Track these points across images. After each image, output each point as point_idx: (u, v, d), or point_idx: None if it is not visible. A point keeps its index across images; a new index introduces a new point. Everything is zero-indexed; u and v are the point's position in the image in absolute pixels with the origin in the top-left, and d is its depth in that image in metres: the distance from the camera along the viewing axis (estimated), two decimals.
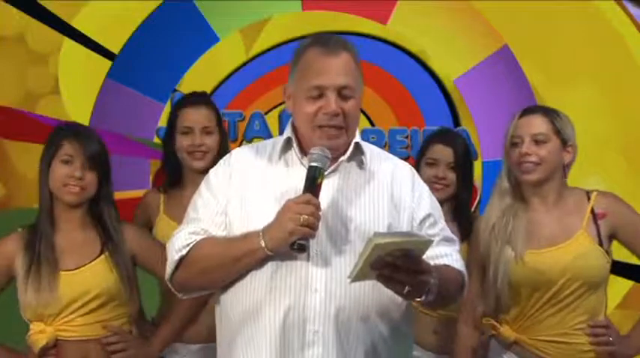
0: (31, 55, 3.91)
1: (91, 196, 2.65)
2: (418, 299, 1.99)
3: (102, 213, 2.66)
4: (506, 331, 2.68)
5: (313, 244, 2.04)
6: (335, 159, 2.13)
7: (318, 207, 2.00)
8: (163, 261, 2.19)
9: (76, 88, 3.92)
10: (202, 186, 2.22)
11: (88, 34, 3.92)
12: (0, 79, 3.87)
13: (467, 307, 2.77)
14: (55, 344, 2.58)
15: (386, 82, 4.01)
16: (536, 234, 2.67)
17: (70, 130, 2.70)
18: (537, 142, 2.68)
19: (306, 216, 1.96)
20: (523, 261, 2.62)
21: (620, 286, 3.80)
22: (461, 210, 3.08)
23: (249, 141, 3.93)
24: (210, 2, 4.00)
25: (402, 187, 2.19)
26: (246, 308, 2.08)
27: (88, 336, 2.59)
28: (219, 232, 2.13)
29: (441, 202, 3.05)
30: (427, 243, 1.94)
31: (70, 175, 2.60)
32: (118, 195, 2.79)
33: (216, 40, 4.01)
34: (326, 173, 2.07)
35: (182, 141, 2.98)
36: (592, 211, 2.69)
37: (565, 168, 2.74)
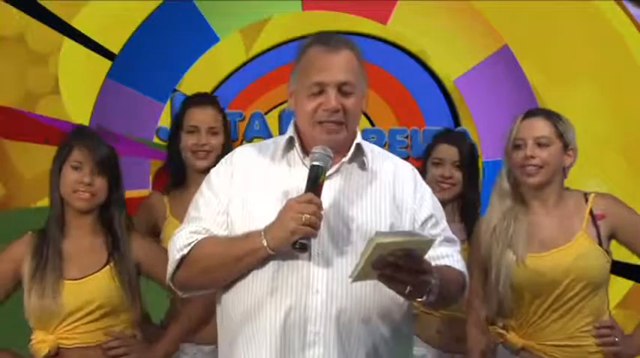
0: (31, 55, 3.90)
1: (101, 202, 2.65)
2: (419, 300, 1.99)
3: (112, 219, 2.66)
4: (514, 338, 2.68)
5: (315, 245, 2.03)
6: (336, 160, 2.13)
7: (320, 206, 2.00)
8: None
9: (76, 88, 3.91)
10: (204, 184, 2.22)
11: (88, 34, 3.91)
12: (0, 79, 3.86)
13: (474, 309, 2.77)
14: (57, 352, 2.58)
15: (386, 82, 4.00)
16: (536, 237, 2.68)
17: (79, 135, 2.71)
18: (540, 145, 2.69)
19: (308, 216, 1.96)
20: (524, 264, 2.62)
21: (620, 286, 3.79)
22: (467, 209, 3.09)
23: (249, 141, 3.93)
24: (210, 2, 3.99)
25: (404, 188, 2.19)
26: (247, 308, 2.08)
27: (89, 343, 2.59)
28: (220, 231, 2.13)
29: (448, 201, 3.08)
30: (429, 243, 1.94)
31: (80, 181, 2.61)
32: None
33: (216, 40, 4.00)
34: (328, 174, 2.08)
35: (187, 140, 2.99)
36: (591, 213, 2.69)
37: (565, 171, 2.75)
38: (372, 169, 2.19)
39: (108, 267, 2.62)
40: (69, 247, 2.63)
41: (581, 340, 2.64)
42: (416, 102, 4.08)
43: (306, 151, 2.14)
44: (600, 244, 2.68)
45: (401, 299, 2.05)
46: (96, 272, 2.61)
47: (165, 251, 2.67)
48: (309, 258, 2.05)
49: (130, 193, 2.91)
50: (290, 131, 2.19)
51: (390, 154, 2.32)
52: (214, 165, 2.31)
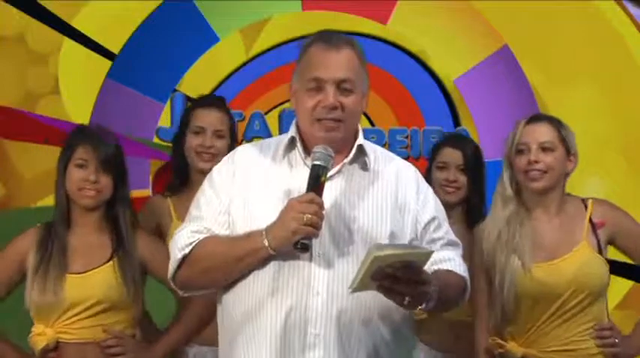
0: (31, 55, 3.90)
1: (106, 199, 2.66)
2: (418, 308, 2.00)
3: (118, 215, 2.67)
4: (514, 347, 2.66)
5: (316, 245, 2.03)
6: (338, 160, 2.12)
7: (321, 206, 1.99)
8: None
9: (76, 88, 3.92)
10: (205, 183, 2.22)
11: (88, 34, 3.91)
12: (0, 79, 3.87)
13: (481, 315, 2.74)
14: (56, 347, 2.58)
15: (386, 82, 4.01)
16: (539, 245, 2.67)
17: (84, 134, 2.71)
18: (544, 150, 2.68)
19: (310, 216, 1.96)
20: (531, 272, 2.62)
21: (620, 286, 3.80)
22: (472, 212, 3.09)
23: (249, 141, 3.93)
24: (210, 2, 3.99)
25: (407, 190, 2.19)
26: (247, 308, 2.08)
27: (87, 339, 2.59)
28: (222, 231, 2.12)
29: (453, 205, 3.08)
30: (428, 255, 1.94)
31: (85, 179, 2.61)
32: None
33: (216, 40, 4.00)
34: (329, 175, 2.07)
35: (192, 141, 2.99)
36: (590, 221, 2.70)
37: (566, 177, 2.75)
38: (374, 170, 2.18)
39: (111, 262, 2.62)
40: (74, 241, 2.64)
41: (581, 343, 2.64)
42: (416, 102, 4.08)
43: (307, 151, 2.14)
44: (600, 252, 2.68)
45: None
46: (98, 267, 2.61)
47: None
48: (310, 259, 2.04)
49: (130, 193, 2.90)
50: (292, 131, 2.18)
51: (394, 156, 2.31)
52: None
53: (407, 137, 4.04)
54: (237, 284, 2.10)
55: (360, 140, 2.18)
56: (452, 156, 3.14)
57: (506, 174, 2.76)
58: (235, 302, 2.11)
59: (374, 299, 2.05)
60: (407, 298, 1.92)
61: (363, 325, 2.06)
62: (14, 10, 3.89)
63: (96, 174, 2.62)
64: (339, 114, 2.10)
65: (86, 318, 2.58)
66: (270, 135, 3.90)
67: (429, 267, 2.06)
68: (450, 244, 2.23)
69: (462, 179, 3.12)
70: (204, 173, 2.86)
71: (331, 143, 2.08)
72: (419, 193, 2.20)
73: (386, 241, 2.09)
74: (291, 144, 2.17)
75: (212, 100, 3.13)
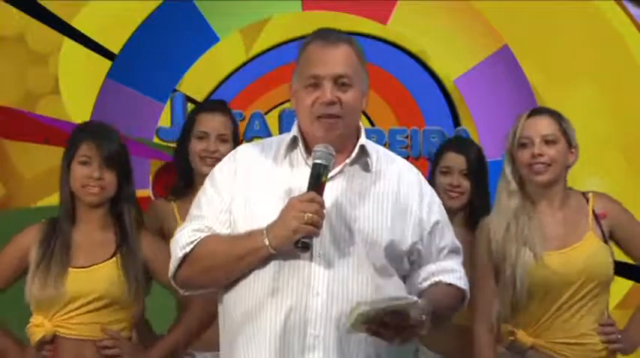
0: (31, 55, 3.90)
1: (111, 196, 2.66)
2: None
3: (122, 212, 2.67)
4: (524, 337, 2.67)
5: (316, 246, 2.02)
6: (340, 161, 2.12)
7: (322, 205, 1.98)
8: None
9: (76, 88, 3.92)
10: (207, 182, 2.21)
11: (88, 34, 3.91)
12: (0, 79, 3.87)
13: (483, 310, 2.73)
14: (53, 340, 2.58)
15: (386, 82, 4.01)
16: (547, 236, 2.68)
17: (87, 130, 2.72)
18: (547, 143, 2.69)
19: (311, 214, 1.95)
20: (543, 261, 2.62)
21: (620, 286, 3.79)
22: (475, 216, 3.08)
23: (249, 141, 3.93)
24: (210, 2, 3.99)
25: (409, 192, 2.17)
26: (248, 308, 2.07)
27: (85, 336, 2.59)
28: (223, 230, 2.12)
29: (456, 210, 3.08)
30: (413, 305, 1.92)
31: (89, 176, 2.62)
32: None
33: (216, 40, 4.01)
34: (331, 175, 2.07)
35: (196, 146, 3.00)
36: (593, 212, 2.71)
37: (567, 169, 2.76)
38: (376, 171, 2.16)
39: (114, 258, 2.63)
40: (78, 236, 2.65)
41: (588, 338, 2.65)
42: (416, 102, 4.08)
43: (309, 151, 2.12)
44: (605, 243, 2.70)
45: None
46: (101, 262, 2.62)
47: None
48: (311, 259, 2.04)
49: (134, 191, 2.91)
50: (294, 130, 2.17)
51: (397, 157, 2.29)
52: None
53: (407, 137, 4.04)
54: (238, 284, 2.10)
55: (363, 140, 2.18)
56: (455, 160, 3.13)
57: (508, 169, 2.77)
58: (235, 302, 2.11)
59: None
60: (397, 339, 1.93)
61: None
62: (14, 10, 3.89)
63: (99, 170, 2.62)
64: (338, 110, 2.09)
65: (85, 314, 2.58)
66: (270, 135, 3.89)
67: (431, 277, 2.12)
68: (453, 251, 2.24)
69: (466, 184, 3.11)
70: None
71: (331, 141, 2.07)
72: (422, 196, 2.19)
73: (386, 242, 2.09)
74: (293, 144, 2.17)
75: (215, 105, 3.14)
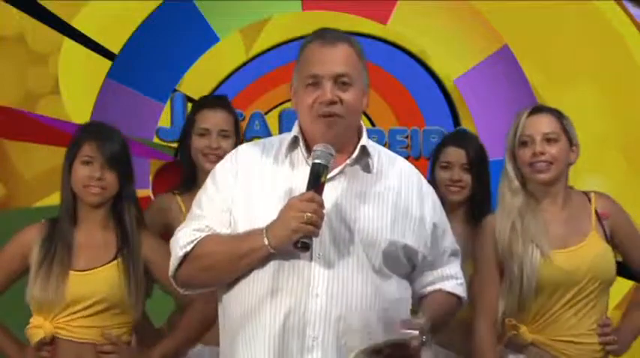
0: (31, 55, 3.90)
1: (112, 196, 2.67)
2: None
3: (123, 213, 2.68)
4: (525, 333, 2.67)
5: (316, 247, 2.02)
6: (341, 161, 2.12)
7: (321, 204, 1.98)
8: None
9: (76, 88, 3.92)
10: (208, 181, 2.22)
11: (88, 34, 3.91)
12: (0, 79, 3.87)
13: (486, 307, 2.73)
14: (52, 341, 2.58)
15: (386, 82, 4.00)
16: (552, 234, 2.68)
17: (90, 131, 2.72)
18: (549, 141, 2.69)
19: (310, 214, 1.95)
20: (550, 259, 2.62)
21: (620, 286, 3.77)
22: (477, 210, 3.08)
23: (249, 141, 3.92)
24: (210, 2, 3.99)
25: (410, 193, 2.18)
26: (247, 308, 2.08)
27: (84, 339, 2.59)
28: (223, 229, 2.12)
29: (458, 204, 3.08)
30: (412, 338, 1.93)
31: (90, 176, 2.62)
32: None
33: (216, 40, 4.00)
34: (331, 175, 2.07)
35: (198, 143, 3.00)
36: (595, 212, 2.72)
37: (568, 167, 2.76)
38: (377, 172, 2.17)
39: (115, 261, 2.63)
40: (80, 237, 2.65)
41: (588, 337, 2.66)
42: (416, 102, 4.08)
43: (310, 151, 2.12)
44: (608, 243, 2.71)
45: (402, 302, 2.09)
46: (102, 265, 2.62)
47: None
48: (310, 260, 2.04)
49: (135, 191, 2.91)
50: (295, 130, 2.18)
51: (398, 157, 2.29)
52: None
53: (407, 137, 4.04)
54: (238, 284, 2.10)
55: (364, 141, 2.18)
56: (455, 155, 3.12)
57: (510, 167, 2.76)
58: (235, 302, 2.11)
59: (373, 302, 2.05)
60: None
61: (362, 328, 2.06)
62: (14, 10, 3.88)
63: (101, 171, 2.62)
64: (339, 109, 2.09)
65: (86, 317, 2.58)
66: (270, 135, 3.89)
67: (432, 284, 2.17)
68: (453, 254, 2.26)
69: (467, 178, 3.10)
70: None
71: (332, 140, 2.07)
72: (423, 197, 2.19)
73: (386, 243, 2.09)
74: (294, 144, 2.17)
75: (216, 101, 3.14)
